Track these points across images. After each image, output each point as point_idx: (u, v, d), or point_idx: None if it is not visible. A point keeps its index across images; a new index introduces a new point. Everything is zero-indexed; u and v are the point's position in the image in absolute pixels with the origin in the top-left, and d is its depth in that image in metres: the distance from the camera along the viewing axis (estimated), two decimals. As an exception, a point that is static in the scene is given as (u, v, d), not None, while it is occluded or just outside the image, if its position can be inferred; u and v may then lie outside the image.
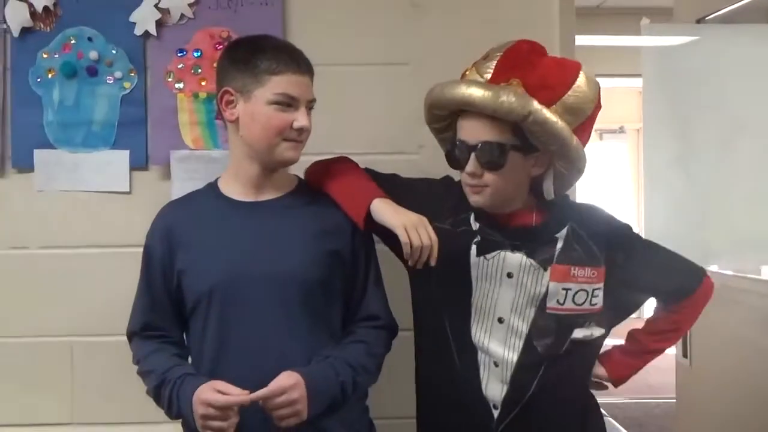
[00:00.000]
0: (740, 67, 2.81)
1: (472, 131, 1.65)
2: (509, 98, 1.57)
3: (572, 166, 1.67)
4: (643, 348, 1.86)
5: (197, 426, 1.58)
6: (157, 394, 1.68)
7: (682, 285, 1.82)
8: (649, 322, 1.88)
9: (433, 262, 1.62)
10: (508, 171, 1.64)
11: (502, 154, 1.62)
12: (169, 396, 1.64)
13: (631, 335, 1.88)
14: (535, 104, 1.57)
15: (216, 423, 1.56)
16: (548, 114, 1.58)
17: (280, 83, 1.65)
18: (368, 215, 1.67)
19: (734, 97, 2.81)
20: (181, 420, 1.74)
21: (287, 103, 1.66)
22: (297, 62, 1.68)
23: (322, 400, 1.61)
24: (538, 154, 1.65)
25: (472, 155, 1.64)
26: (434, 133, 1.80)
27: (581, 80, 1.63)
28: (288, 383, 1.57)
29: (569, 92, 1.61)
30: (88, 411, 2.20)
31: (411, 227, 1.60)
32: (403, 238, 1.60)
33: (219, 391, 1.56)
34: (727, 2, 3.33)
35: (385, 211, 1.66)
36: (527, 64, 1.63)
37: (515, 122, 1.59)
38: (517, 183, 1.69)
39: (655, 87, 2.82)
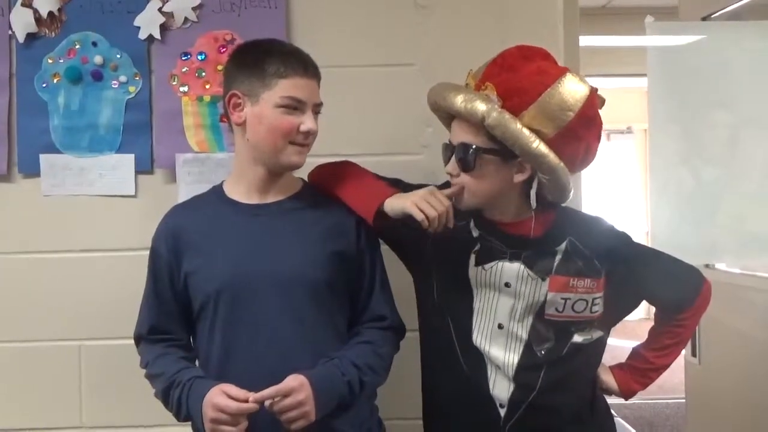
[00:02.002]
0: (747, 64, 2.80)
1: (454, 133, 1.70)
2: (471, 102, 1.60)
3: (549, 175, 1.64)
4: (651, 366, 1.86)
5: (206, 429, 1.59)
6: (165, 396, 1.69)
7: (683, 294, 1.82)
8: (652, 337, 1.88)
9: (450, 225, 1.64)
10: (484, 174, 1.66)
11: (472, 156, 1.64)
12: (179, 398, 1.65)
13: (637, 353, 1.88)
14: (492, 107, 1.58)
15: (226, 428, 1.56)
16: (504, 117, 1.58)
17: (287, 87, 1.65)
18: (378, 214, 1.68)
19: (741, 94, 2.79)
20: (190, 423, 1.74)
21: (294, 106, 1.67)
22: (304, 66, 1.68)
23: (329, 400, 1.62)
24: (519, 160, 1.65)
25: (453, 156, 1.68)
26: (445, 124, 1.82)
27: (562, 87, 1.60)
28: (293, 384, 1.57)
29: (542, 97, 1.59)
30: (97, 414, 2.21)
31: (421, 201, 1.62)
32: (417, 215, 1.61)
33: (229, 396, 1.56)
34: (732, -1, 3.32)
35: (396, 203, 1.67)
36: (508, 70, 1.63)
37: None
38: (496, 187, 1.68)
39: (661, 86, 2.80)
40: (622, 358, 1.91)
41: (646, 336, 1.90)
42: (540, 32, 2.13)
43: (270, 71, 1.66)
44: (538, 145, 1.59)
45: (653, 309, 1.89)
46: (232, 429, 1.56)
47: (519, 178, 1.67)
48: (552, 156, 1.60)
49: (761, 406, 3.21)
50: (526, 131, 1.58)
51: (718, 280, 3.18)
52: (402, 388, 1.85)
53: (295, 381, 1.58)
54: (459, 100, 1.62)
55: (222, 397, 1.56)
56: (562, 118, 1.60)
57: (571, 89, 1.61)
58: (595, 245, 1.72)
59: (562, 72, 1.63)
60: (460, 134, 1.67)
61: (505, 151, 1.63)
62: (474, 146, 1.64)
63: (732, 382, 3.46)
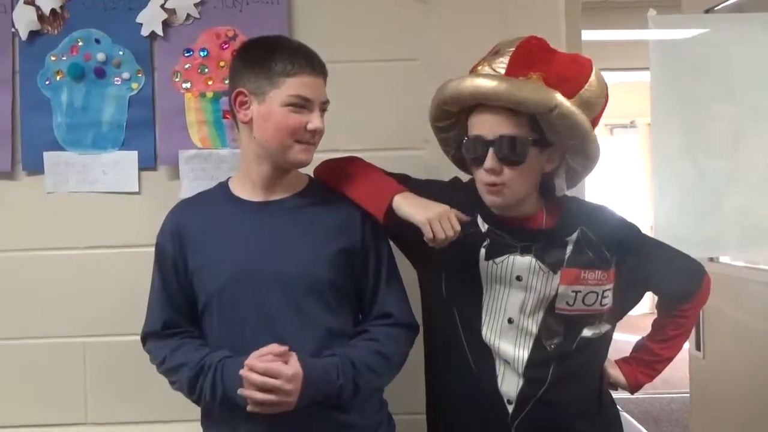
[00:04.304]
0: (750, 56, 2.79)
1: (489, 126, 1.63)
2: (535, 90, 1.57)
3: (587, 161, 1.68)
4: (657, 358, 1.88)
5: (249, 402, 1.58)
6: (192, 384, 1.66)
7: (687, 285, 1.85)
8: (656, 328, 1.89)
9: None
10: (527, 167, 1.64)
11: (523, 149, 1.61)
12: (212, 382, 1.63)
13: (643, 345, 1.90)
14: (560, 97, 1.57)
15: (264, 395, 1.56)
16: (573, 107, 1.58)
17: (294, 85, 1.65)
18: (389, 211, 1.67)
19: (744, 87, 2.78)
20: (200, 420, 1.76)
21: (301, 104, 1.66)
22: (311, 64, 1.68)
23: (313, 397, 1.61)
24: (552, 149, 1.65)
25: (490, 151, 1.62)
26: (436, 131, 1.79)
27: (596, 76, 1.65)
28: (288, 374, 1.56)
29: (586, 86, 1.62)
30: (102, 411, 2.21)
31: (435, 221, 1.60)
32: (427, 234, 1.60)
33: (261, 355, 1.57)
34: (735, -9, 3.31)
35: (406, 210, 1.65)
36: (543, 59, 1.62)
37: (538, 115, 1.59)
38: (534, 180, 1.69)
39: (664, 79, 2.80)
40: (627, 352, 1.92)
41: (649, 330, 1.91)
42: (542, 26, 2.12)
43: (277, 69, 1.65)
44: (594, 135, 1.62)
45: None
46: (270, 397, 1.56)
47: (549, 167, 1.68)
48: (598, 142, 1.65)
49: (766, 400, 3.20)
50: (587, 121, 1.61)
51: (722, 273, 3.19)
52: (410, 383, 1.85)
53: (290, 370, 1.57)
54: (524, 90, 1.57)
55: (258, 361, 1.57)
56: (598, 105, 1.64)
57: (601, 77, 1.66)
58: (606, 234, 1.72)
59: (590, 61, 1.67)
60: (500, 126, 1.61)
61: (542, 140, 1.63)
62: (526, 138, 1.61)
63: (736, 376, 3.46)
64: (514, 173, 1.63)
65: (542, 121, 1.60)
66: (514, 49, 1.65)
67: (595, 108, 1.64)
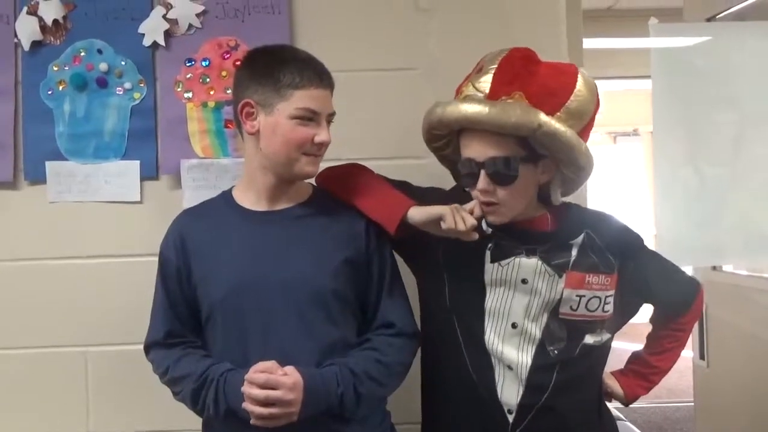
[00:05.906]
0: (751, 64, 2.79)
1: (478, 148, 1.63)
2: (516, 113, 1.56)
3: (579, 171, 1.67)
4: (654, 369, 1.88)
5: (252, 415, 1.57)
6: (195, 397, 1.66)
7: (683, 297, 1.86)
8: (652, 341, 1.90)
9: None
10: (520, 184, 1.64)
11: (513, 168, 1.62)
12: (215, 395, 1.63)
13: (639, 357, 1.90)
14: (543, 116, 1.57)
15: (267, 409, 1.56)
16: (557, 125, 1.57)
17: (302, 98, 1.64)
18: (402, 223, 1.67)
19: (746, 94, 2.79)
20: (201, 429, 1.76)
21: (309, 117, 1.66)
22: (319, 76, 1.68)
23: (316, 406, 1.60)
24: (545, 161, 1.65)
25: (482, 172, 1.63)
26: (434, 152, 1.80)
27: (580, 83, 1.63)
28: (288, 383, 1.56)
29: (573, 97, 1.60)
30: (104, 420, 2.21)
31: (455, 211, 1.61)
32: (449, 222, 1.60)
33: (260, 370, 1.57)
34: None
35: (422, 210, 1.66)
36: (526, 74, 1.62)
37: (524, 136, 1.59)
38: (530, 193, 1.69)
39: (665, 87, 2.80)
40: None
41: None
42: (543, 35, 2.13)
43: (285, 81, 1.64)
44: (584, 146, 1.62)
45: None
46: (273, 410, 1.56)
47: (544, 178, 1.68)
48: (589, 152, 1.64)
49: (770, 408, 3.20)
50: (575, 135, 1.60)
51: (725, 282, 3.18)
52: (410, 393, 1.84)
53: (290, 379, 1.57)
54: (506, 114, 1.57)
55: (259, 375, 1.56)
56: (588, 113, 1.63)
57: (589, 82, 1.64)
58: (610, 239, 1.72)
59: (574, 67, 1.66)
60: (489, 148, 1.62)
61: (533, 155, 1.63)
62: (515, 158, 1.61)
63: (740, 385, 3.44)
64: (507, 192, 1.64)
65: (529, 138, 1.60)
66: (496, 66, 1.65)
67: (585, 116, 1.63)
